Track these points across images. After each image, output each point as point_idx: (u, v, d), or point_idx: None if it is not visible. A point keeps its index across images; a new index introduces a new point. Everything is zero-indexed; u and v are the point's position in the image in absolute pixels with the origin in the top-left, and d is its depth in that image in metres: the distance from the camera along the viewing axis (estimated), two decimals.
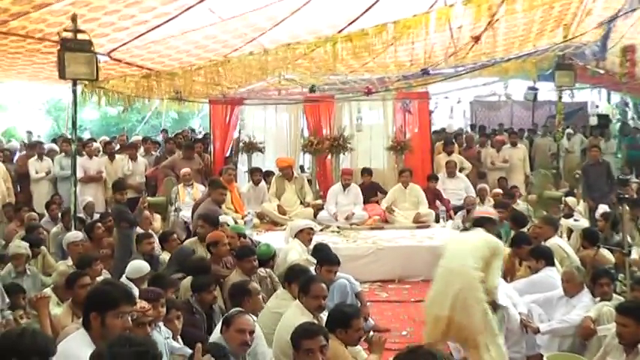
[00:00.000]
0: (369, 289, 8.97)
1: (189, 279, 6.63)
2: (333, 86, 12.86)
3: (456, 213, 11.33)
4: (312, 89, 12.51)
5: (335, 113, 12.93)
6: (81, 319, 4.88)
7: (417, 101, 12.87)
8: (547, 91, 16.89)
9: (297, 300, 5.45)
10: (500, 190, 11.89)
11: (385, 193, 12.02)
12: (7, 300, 3.94)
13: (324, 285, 5.44)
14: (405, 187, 11.40)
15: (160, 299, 4.93)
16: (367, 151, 12.97)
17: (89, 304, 3.67)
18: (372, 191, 11.98)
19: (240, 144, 12.97)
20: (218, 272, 7.09)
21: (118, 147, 13.52)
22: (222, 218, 8.59)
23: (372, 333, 5.05)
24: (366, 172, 12.17)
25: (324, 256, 6.96)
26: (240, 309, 5.03)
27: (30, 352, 3.10)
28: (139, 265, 6.57)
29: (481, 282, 5.50)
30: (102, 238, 8.90)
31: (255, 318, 5.04)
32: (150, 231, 8.79)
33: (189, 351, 4.98)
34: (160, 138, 16.52)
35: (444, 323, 5.34)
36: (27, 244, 7.71)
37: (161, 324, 4.94)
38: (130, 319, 3.64)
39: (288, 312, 5.39)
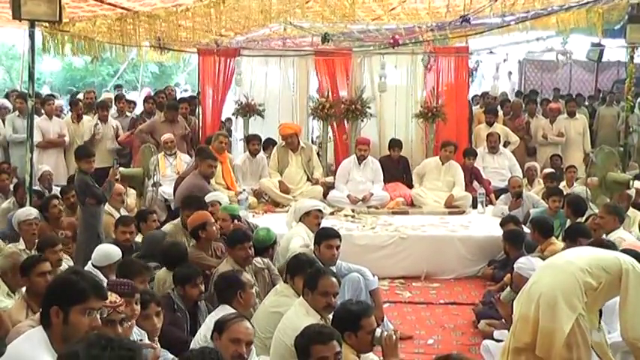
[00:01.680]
0: (389, 287, 9.04)
1: (165, 270, 6.65)
2: (351, 36, 12.77)
3: (497, 197, 11.30)
4: (324, 39, 12.40)
5: (352, 70, 12.84)
6: (37, 315, 4.93)
7: (454, 57, 12.76)
8: (615, 50, 16.75)
9: (302, 297, 5.43)
10: (552, 170, 11.82)
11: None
12: None
13: (334, 280, 5.43)
14: (443, 164, 11.39)
15: (135, 294, 4.92)
16: (391, 117, 12.90)
17: (50, 297, 3.64)
18: (398, 170, 11.96)
19: (236, 106, 12.92)
20: (203, 261, 7.10)
21: (84, 106, 13.49)
22: (212, 195, 8.57)
23: (378, 331, 4.96)
24: (395, 144, 12.07)
25: (321, 231, 7.15)
26: (236, 313, 4.99)
27: None
28: (107, 251, 6.56)
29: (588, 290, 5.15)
30: (59, 217, 8.90)
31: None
32: (127, 214, 8.76)
33: (171, 357, 4.98)
34: (138, 95, 16.52)
35: (530, 325, 5.16)
36: None
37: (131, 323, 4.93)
38: (98, 316, 3.62)
39: (290, 311, 5.38)
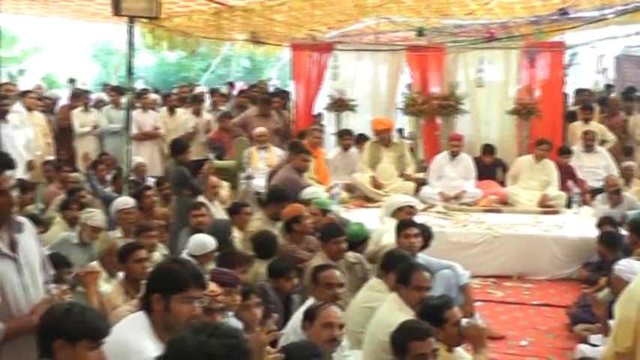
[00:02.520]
0: (481, 286, 8.92)
1: (259, 261, 6.73)
2: (444, 31, 12.67)
3: (593, 197, 11.04)
4: (420, 33, 12.33)
5: (446, 66, 12.75)
6: (134, 300, 5.06)
7: (549, 52, 12.53)
8: None
9: (394, 292, 5.42)
10: None
11: (505, 169, 11.91)
12: (53, 272, 4.05)
13: (427, 274, 5.42)
14: (538, 162, 11.21)
15: (237, 285, 5.00)
16: (484, 114, 12.76)
17: (152, 284, 3.71)
18: (489, 172, 11.84)
19: (328, 100, 12.96)
20: (296, 254, 7.16)
21: (178, 100, 13.77)
22: (310, 191, 8.62)
23: (464, 321, 4.89)
24: (488, 150, 11.98)
25: (399, 223, 7.19)
26: (325, 301, 5.03)
27: (79, 333, 3.18)
28: (202, 240, 6.68)
29: None
30: (152, 207, 9.10)
31: None
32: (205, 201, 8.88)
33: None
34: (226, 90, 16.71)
35: (632, 329, 5.04)
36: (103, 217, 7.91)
37: (230, 313, 5.00)
38: (198, 305, 3.68)
39: (383, 307, 5.37)
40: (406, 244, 6.79)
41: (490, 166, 11.88)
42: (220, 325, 2.77)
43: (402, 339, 4.33)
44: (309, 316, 4.73)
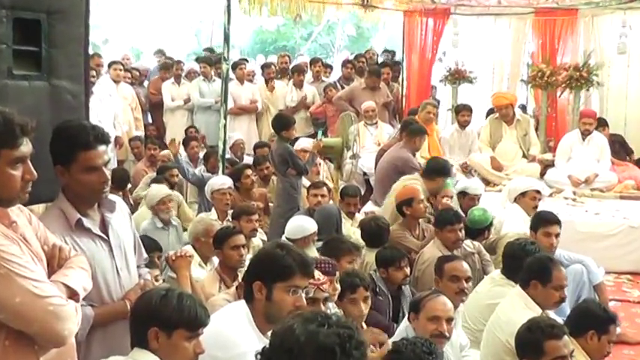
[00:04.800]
0: (615, 283, 8.75)
1: (367, 249, 6.75)
2: None
3: None
4: None
5: (578, 31, 12.48)
6: (230, 289, 5.13)
7: None
8: None
9: (520, 288, 5.35)
10: None
11: (627, 151, 11.65)
12: (146, 256, 4.16)
13: (564, 271, 5.32)
14: None
15: (336, 272, 5.03)
16: (621, 88, 12.46)
17: (253, 271, 3.75)
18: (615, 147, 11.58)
19: (444, 72, 12.87)
20: (404, 241, 7.17)
21: (277, 71, 13.88)
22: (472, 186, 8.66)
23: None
24: (602, 123, 11.68)
25: (539, 215, 7.02)
26: (433, 290, 5.06)
27: (175, 321, 3.26)
28: (301, 223, 6.75)
29: None
30: (252, 188, 9.23)
31: None
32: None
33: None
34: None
35: None
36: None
37: (331, 305, 5.03)
38: (303, 295, 3.71)
39: (505, 303, 5.31)
40: (545, 244, 6.58)
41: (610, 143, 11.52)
42: (332, 315, 2.79)
43: (537, 338, 4.28)
44: (415, 307, 4.76)
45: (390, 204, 7.83)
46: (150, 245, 5.67)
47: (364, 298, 5.22)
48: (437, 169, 8.14)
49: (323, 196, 8.14)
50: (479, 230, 7.40)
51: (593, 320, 4.77)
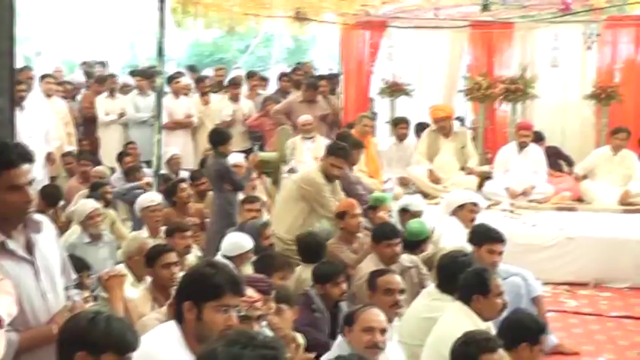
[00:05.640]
0: (552, 294, 8.89)
1: (303, 265, 6.75)
2: (513, 5, 12.56)
3: None
4: (484, 7, 12.25)
5: (514, 45, 12.66)
6: (162, 308, 5.09)
7: (634, 28, 12.36)
8: None
9: (461, 303, 5.39)
10: None
11: (569, 162, 11.82)
12: (75, 276, 4.08)
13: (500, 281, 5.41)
14: (616, 154, 11.11)
15: (272, 292, 5.02)
16: (556, 99, 12.66)
17: (183, 290, 3.72)
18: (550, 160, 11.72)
19: (381, 84, 12.93)
20: (339, 254, 7.20)
21: (213, 84, 13.85)
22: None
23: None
24: (539, 137, 11.81)
25: (484, 231, 6.97)
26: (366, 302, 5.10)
27: (104, 345, 3.18)
28: (238, 240, 6.73)
29: None
30: (188, 203, 9.17)
31: None
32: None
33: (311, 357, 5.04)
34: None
35: None
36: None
37: (264, 323, 5.02)
38: (235, 314, 3.68)
39: (447, 318, 5.34)
40: (488, 261, 6.56)
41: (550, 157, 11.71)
42: (256, 336, 2.76)
43: (472, 352, 4.29)
44: (349, 319, 4.80)
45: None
46: (78, 265, 5.58)
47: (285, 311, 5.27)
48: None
49: (257, 210, 8.15)
50: (417, 243, 7.42)
51: (524, 332, 4.80)
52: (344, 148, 8.50)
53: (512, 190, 10.95)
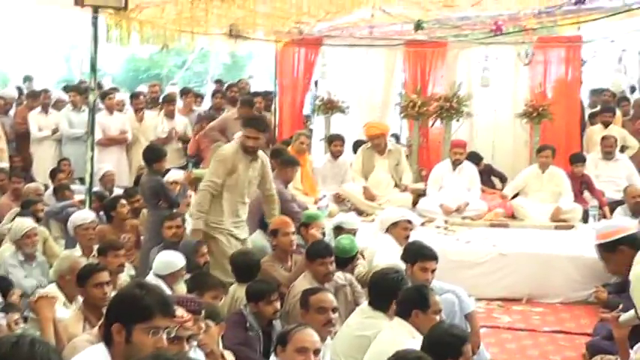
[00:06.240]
0: (486, 310, 8.94)
1: (237, 284, 6.73)
2: (446, 24, 12.68)
3: (612, 210, 11.04)
4: (418, 26, 12.36)
5: (447, 63, 12.78)
6: (94, 329, 5.01)
7: (564, 48, 12.59)
8: None
9: (400, 318, 5.43)
10: None
11: (502, 179, 11.99)
12: (1, 300, 4.02)
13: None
14: (544, 172, 11.26)
15: (202, 311, 4.98)
16: (490, 117, 12.81)
17: (112, 313, 3.67)
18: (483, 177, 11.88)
19: (316, 102, 12.97)
20: (272, 272, 7.20)
21: (148, 100, 13.76)
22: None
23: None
24: (474, 158, 11.94)
25: (416, 249, 6.97)
26: (299, 322, 5.07)
27: None
28: (170, 259, 6.70)
29: None
30: (126, 220, 9.08)
31: None
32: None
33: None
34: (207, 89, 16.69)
35: None
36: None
37: (195, 343, 4.99)
38: (164, 336, 3.65)
39: (385, 335, 5.37)
40: (420, 278, 6.57)
41: (480, 174, 11.81)
42: (182, 357, 2.75)
43: None
44: (282, 339, 4.74)
45: None
46: (3, 284, 5.50)
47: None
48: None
49: (178, 227, 8.06)
50: (346, 259, 7.41)
51: (447, 347, 4.79)
52: (256, 118, 8.47)
53: (447, 207, 11.04)
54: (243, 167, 8.00)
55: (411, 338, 5.10)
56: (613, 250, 5.31)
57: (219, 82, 17.20)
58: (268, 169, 8.38)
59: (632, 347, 5.31)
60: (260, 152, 8.26)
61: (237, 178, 7.98)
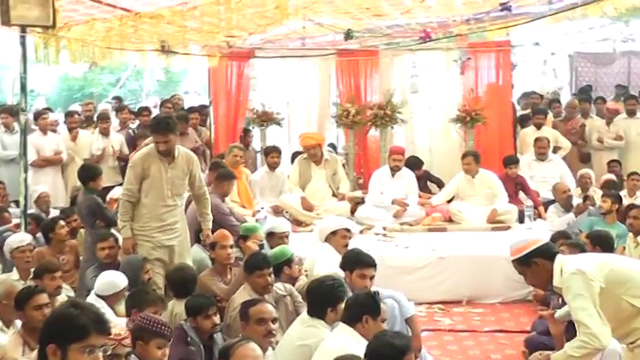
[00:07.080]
0: (427, 313, 9.02)
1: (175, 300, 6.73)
2: (377, 33, 12.79)
3: (546, 209, 11.21)
4: (348, 36, 12.43)
5: (380, 71, 12.88)
6: (34, 353, 4.97)
7: (494, 53, 12.78)
8: None
9: (345, 324, 5.45)
10: (611, 176, 11.68)
11: (439, 184, 12.15)
12: None
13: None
14: (473, 177, 11.40)
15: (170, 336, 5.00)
16: (424, 123, 12.94)
17: (46, 334, 3.61)
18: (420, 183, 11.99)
19: (251, 114, 12.98)
20: (211, 286, 7.22)
21: (82, 119, 13.63)
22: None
23: None
24: (415, 162, 12.09)
25: (354, 257, 6.98)
26: (241, 336, 5.07)
27: None
28: (112, 279, 6.67)
29: None
30: (65, 241, 8.99)
31: None
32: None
33: None
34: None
35: None
36: None
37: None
38: (100, 354, 3.62)
39: (331, 342, 5.37)
40: (359, 285, 6.57)
41: (418, 179, 11.91)
42: None
43: None
44: (224, 354, 4.71)
45: None
46: None
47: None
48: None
49: (111, 247, 7.97)
50: (279, 265, 7.37)
51: (388, 358, 4.82)
52: (157, 122, 8.07)
53: (399, 200, 11.21)
54: (157, 169, 7.81)
55: (357, 344, 5.12)
56: (528, 264, 5.47)
57: (117, 98, 17.29)
58: (195, 167, 8.17)
59: (567, 341, 5.40)
60: (184, 151, 8.11)
61: (151, 182, 7.83)
